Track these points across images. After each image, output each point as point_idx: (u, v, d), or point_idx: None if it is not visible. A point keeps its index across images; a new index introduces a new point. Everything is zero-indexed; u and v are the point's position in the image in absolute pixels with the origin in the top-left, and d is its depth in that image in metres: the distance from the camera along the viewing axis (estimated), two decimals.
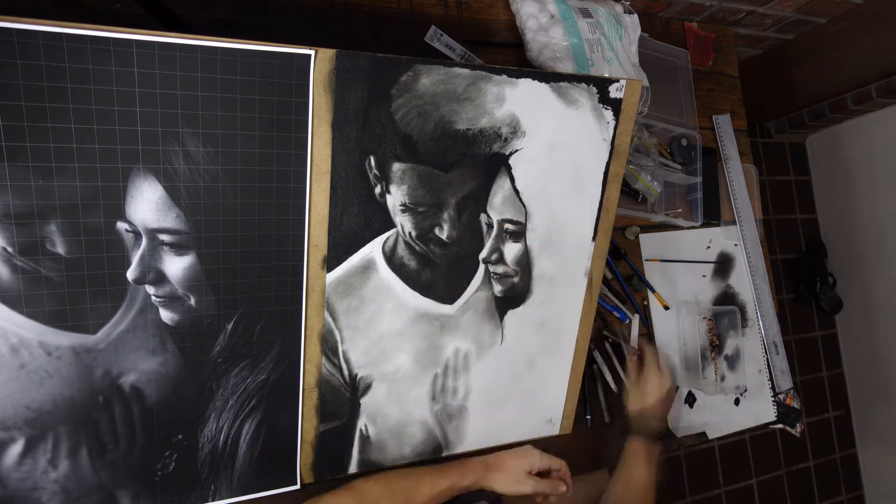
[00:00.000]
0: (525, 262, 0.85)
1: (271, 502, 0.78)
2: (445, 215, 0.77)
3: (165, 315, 0.67)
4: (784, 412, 1.19)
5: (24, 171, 0.57)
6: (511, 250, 0.84)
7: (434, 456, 0.87)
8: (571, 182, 0.85)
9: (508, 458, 0.79)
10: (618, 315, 1.05)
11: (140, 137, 0.60)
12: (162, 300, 0.66)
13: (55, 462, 0.65)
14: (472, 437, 0.89)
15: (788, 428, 1.21)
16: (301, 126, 0.67)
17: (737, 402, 1.15)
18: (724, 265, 1.18)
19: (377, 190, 0.73)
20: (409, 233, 0.76)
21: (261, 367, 0.73)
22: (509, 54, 1.00)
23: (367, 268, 0.75)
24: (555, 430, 0.96)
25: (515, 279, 0.85)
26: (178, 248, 0.65)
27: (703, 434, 1.10)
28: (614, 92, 0.84)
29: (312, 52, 0.65)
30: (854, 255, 2.10)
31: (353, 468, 0.82)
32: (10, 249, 0.58)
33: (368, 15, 0.91)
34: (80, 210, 0.60)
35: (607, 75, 0.91)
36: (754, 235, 1.20)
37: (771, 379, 1.19)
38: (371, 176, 0.72)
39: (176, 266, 0.66)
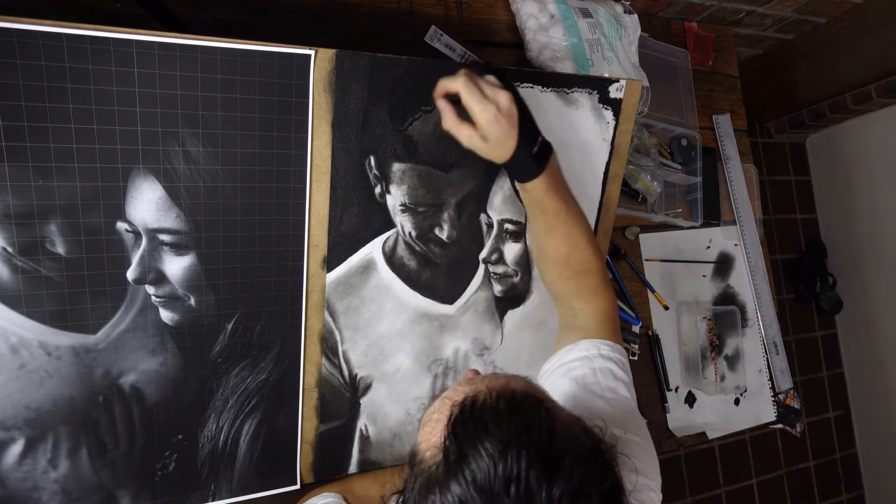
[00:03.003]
0: (525, 262, 0.85)
1: (271, 502, 0.78)
2: (445, 215, 0.77)
3: (165, 315, 0.67)
4: (784, 412, 1.19)
5: (24, 171, 0.57)
6: (511, 250, 0.84)
7: None
8: (571, 182, 0.84)
9: None
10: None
11: (140, 137, 0.60)
12: (162, 300, 0.66)
13: (55, 462, 0.65)
14: None
15: (788, 428, 1.21)
16: (301, 126, 0.67)
17: (737, 402, 1.15)
18: (724, 265, 1.18)
19: (377, 190, 0.73)
20: (409, 233, 0.76)
21: (261, 367, 0.72)
22: (509, 54, 1.00)
23: (367, 268, 0.75)
24: None
25: (515, 279, 0.85)
26: (178, 248, 0.65)
27: (703, 434, 1.10)
28: (614, 92, 0.84)
29: (312, 52, 0.65)
30: (854, 255, 2.10)
31: (352, 468, 0.82)
32: (10, 249, 0.58)
33: (368, 15, 0.91)
34: (80, 210, 0.60)
35: (607, 75, 0.91)
36: (754, 235, 1.20)
37: (771, 379, 1.19)
38: (371, 176, 0.72)
39: (176, 266, 0.66)
